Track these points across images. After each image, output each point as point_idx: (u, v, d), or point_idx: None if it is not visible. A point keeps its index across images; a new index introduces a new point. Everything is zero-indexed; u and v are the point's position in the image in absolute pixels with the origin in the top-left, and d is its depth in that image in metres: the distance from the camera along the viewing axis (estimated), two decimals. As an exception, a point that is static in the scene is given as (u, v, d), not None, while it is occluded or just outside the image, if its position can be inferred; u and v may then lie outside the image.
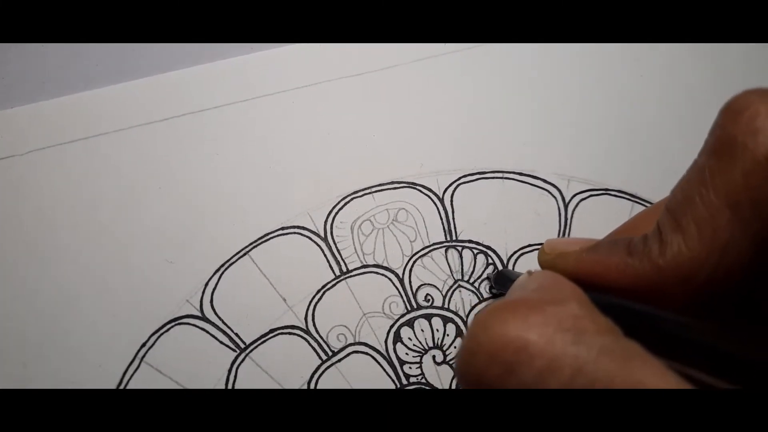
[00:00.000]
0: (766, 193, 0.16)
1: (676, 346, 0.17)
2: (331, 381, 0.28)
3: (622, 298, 0.19)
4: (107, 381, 0.28)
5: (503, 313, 0.16)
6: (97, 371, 0.28)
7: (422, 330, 0.29)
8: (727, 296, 0.18)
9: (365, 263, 0.30)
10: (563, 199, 0.32)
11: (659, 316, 0.18)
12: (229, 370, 0.28)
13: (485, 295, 0.30)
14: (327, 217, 0.31)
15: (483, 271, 0.30)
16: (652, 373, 0.14)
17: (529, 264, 0.30)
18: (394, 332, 0.29)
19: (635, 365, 0.14)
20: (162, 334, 0.28)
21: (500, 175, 0.32)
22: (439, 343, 0.29)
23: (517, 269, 0.30)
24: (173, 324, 0.29)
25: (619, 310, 0.18)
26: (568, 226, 0.31)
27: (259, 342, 0.28)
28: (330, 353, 0.28)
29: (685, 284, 0.18)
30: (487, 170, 0.32)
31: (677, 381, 0.14)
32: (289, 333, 0.29)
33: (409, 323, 0.29)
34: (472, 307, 0.29)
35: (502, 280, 0.28)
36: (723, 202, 0.17)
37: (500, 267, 0.30)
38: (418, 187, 0.32)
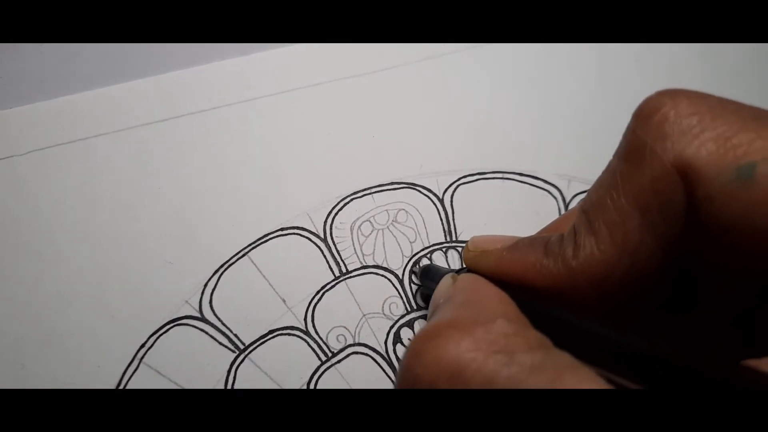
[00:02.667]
0: (674, 198, 0.16)
1: (600, 350, 0.17)
2: (330, 382, 0.28)
3: (541, 298, 0.19)
4: (106, 382, 0.27)
5: (435, 339, 0.16)
6: (95, 372, 0.28)
7: (422, 331, 0.29)
8: (638, 297, 0.18)
9: (365, 264, 0.30)
10: (564, 199, 0.32)
11: (578, 321, 0.18)
12: (228, 371, 0.28)
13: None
14: (326, 218, 0.31)
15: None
16: (583, 385, 0.14)
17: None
18: (394, 333, 0.29)
19: (567, 378, 0.14)
20: (161, 335, 0.28)
21: (500, 175, 0.32)
22: (439, 344, 0.29)
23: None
24: (172, 325, 0.29)
25: (547, 315, 0.18)
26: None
27: (258, 343, 0.28)
28: (329, 354, 0.28)
29: (598, 286, 0.18)
30: (487, 171, 0.32)
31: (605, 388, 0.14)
32: (289, 334, 0.29)
33: (409, 324, 0.29)
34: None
35: (427, 276, 0.28)
36: (633, 206, 0.17)
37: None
38: (417, 187, 0.32)
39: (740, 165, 0.15)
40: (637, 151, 0.17)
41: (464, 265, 0.24)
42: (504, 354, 0.15)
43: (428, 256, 0.30)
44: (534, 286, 0.19)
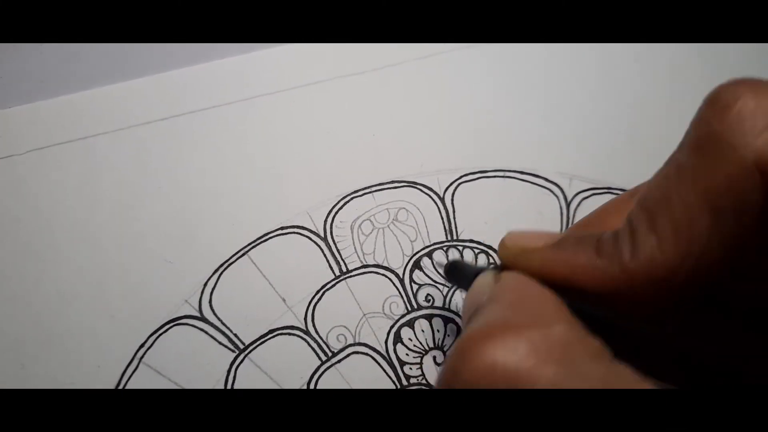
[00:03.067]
0: (751, 198, 0.15)
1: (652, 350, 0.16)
2: (330, 382, 0.28)
3: (591, 302, 0.18)
4: (106, 381, 0.27)
5: (488, 341, 0.15)
6: (95, 372, 0.28)
7: (423, 330, 0.29)
8: (696, 300, 0.17)
9: (365, 263, 0.30)
10: (565, 198, 0.32)
11: (633, 328, 0.17)
12: (228, 371, 0.28)
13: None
14: (327, 217, 0.31)
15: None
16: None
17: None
18: (395, 333, 0.29)
19: None
20: (161, 334, 0.28)
21: (501, 174, 0.32)
22: (440, 344, 0.29)
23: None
24: (172, 324, 0.28)
25: (597, 319, 0.17)
26: (570, 225, 0.31)
27: (258, 343, 0.28)
28: (330, 354, 0.28)
29: (656, 291, 0.16)
30: (488, 169, 0.32)
31: None
32: (289, 333, 0.29)
33: (410, 324, 0.29)
34: (473, 308, 0.29)
35: (456, 274, 0.26)
36: (704, 205, 0.15)
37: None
38: (418, 186, 0.32)
39: None
40: (711, 145, 0.15)
41: (498, 263, 0.22)
42: (564, 364, 0.14)
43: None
44: (586, 288, 0.17)
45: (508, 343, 0.15)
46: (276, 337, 0.29)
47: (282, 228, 0.30)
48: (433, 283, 0.30)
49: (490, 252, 0.30)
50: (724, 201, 0.15)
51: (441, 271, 0.28)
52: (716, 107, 0.16)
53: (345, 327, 0.29)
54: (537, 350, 0.14)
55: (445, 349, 0.29)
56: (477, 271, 0.22)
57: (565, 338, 0.15)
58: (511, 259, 0.20)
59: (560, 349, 0.15)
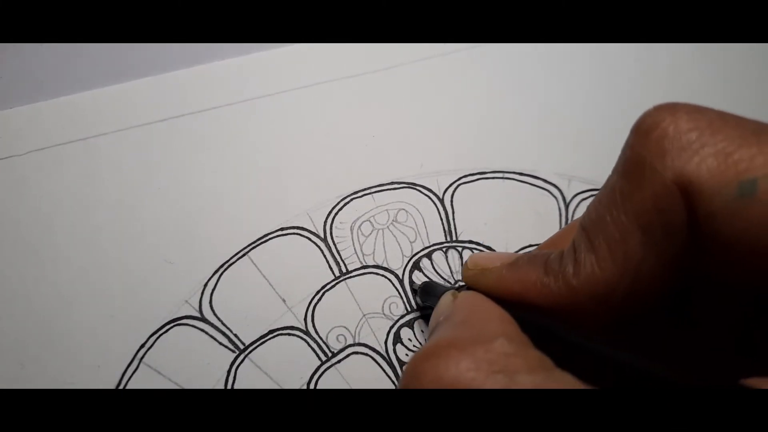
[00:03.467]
0: (675, 215, 0.16)
1: (602, 367, 0.17)
2: (330, 382, 0.28)
3: (542, 316, 0.19)
4: (106, 382, 0.27)
5: (434, 359, 0.16)
6: (95, 372, 0.28)
7: (422, 331, 0.29)
8: (642, 315, 0.18)
9: (365, 264, 0.30)
10: (564, 199, 0.32)
11: (582, 340, 0.18)
12: (228, 371, 0.28)
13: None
14: (326, 218, 0.31)
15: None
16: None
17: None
18: (394, 333, 0.29)
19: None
20: (161, 335, 0.28)
21: (501, 175, 0.32)
22: (440, 344, 0.29)
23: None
24: (172, 325, 0.28)
25: (547, 332, 0.18)
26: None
27: (258, 343, 0.28)
28: (330, 354, 0.28)
29: (599, 305, 0.18)
30: (487, 170, 0.32)
31: None
32: (289, 334, 0.29)
33: (410, 324, 0.29)
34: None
35: (427, 293, 0.28)
36: (633, 223, 0.17)
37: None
38: (418, 187, 0.32)
39: (742, 181, 0.15)
40: (636, 168, 0.17)
41: (463, 283, 0.24)
42: (504, 374, 0.15)
43: (431, 255, 0.30)
44: (535, 304, 0.19)
45: (451, 359, 0.16)
46: (276, 338, 0.29)
47: (282, 229, 0.30)
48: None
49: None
50: (652, 218, 0.16)
51: (418, 295, 0.29)
52: (639, 132, 0.17)
53: (345, 327, 0.29)
54: (478, 364, 0.16)
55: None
56: (443, 291, 0.24)
57: (506, 351, 0.16)
58: (472, 278, 0.22)
59: (501, 362, 0.16)
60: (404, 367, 0.17)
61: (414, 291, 0.29)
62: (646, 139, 0.17)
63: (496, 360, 0.16)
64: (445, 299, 0.22)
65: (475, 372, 0.15)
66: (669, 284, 0.17)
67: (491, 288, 0.21)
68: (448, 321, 0.19)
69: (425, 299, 0.28)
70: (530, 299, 0.19)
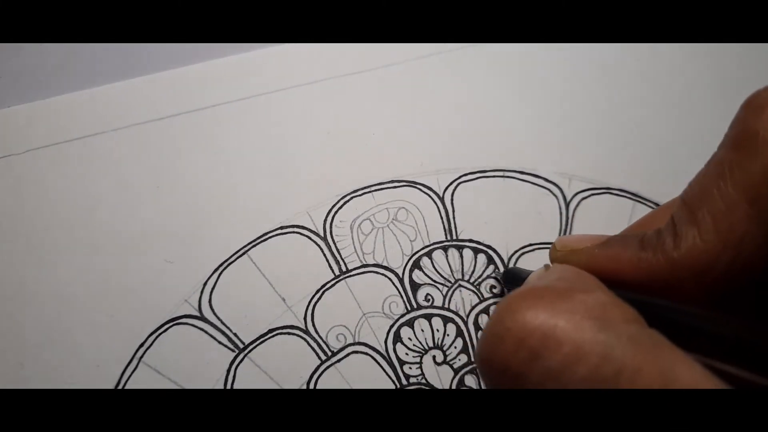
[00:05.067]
0: None
1: (694, 338, 0.16)
2: (330, 381, 0.28)
3: (636, 292, 0.19)
4: (105, 381, 0.27)
5: (530, 299, 0.16)
6: (95, 371, 0.28)
7: (422, 330, 0.29)
8: (742, 291, 0.18)
9: (365, 263, 0.30)
10: (564, 198, 0.32)
11: (677, 308, 0.18)
12: (228, 371, 0.28)
13: (485, 295, 0.29)
14: (326, 217, 0.31)
15: (483, 271, 0.30)
16: (679, 362, 0.14)
17: (530, 264, 0.30)
18: (394, 332, 0.29)
19: (662, 354, 0.14)
20: (160, 334, 0.28)
21: (501, 173, 0.32)
22: (440, 343, 0.29)
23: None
24: (171, 324, 0.28)
25: (637, 304, 0.18)
26: (569, 225, 0.31)
27: (258, 342, 0.28)
28: (329, 353, 0.28)
29: (700, 278, 0.17)
30: (487, 169, 0.32)
31: (703, 371, 0.14)
32: (288, 333, 0.29)
33: (409, 323, 0.29)
34: (473, 307, 0.29)
35: (512, 278, 0.28)
36: (741, 195, 0.17)
37: (500, 267, 0.30)
38: (418, 185, 0.32)
39: None
40: (748, 141, 0.17)
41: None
42: (601, 321, 0.15)
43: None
44: (630, 280, 0.19)
45: (546, 300, 0.16)
46: (276, 337, 0.28)
47: (282, 227, 0.30)
48: (433, 283, 0.30)
49: (490, 251, 0.30)
50: (761, 190, 0.16)
51: (501, 281, 0.29)
52: (752, 107, 0.17)
53: (345, 326, 0.29)
54: (575, 307, 0.16)
55: (444, 348, 0.29)
56: (528, 273, 0.23)
57: (603, 301, 0.16)
58: (561, 259, 0.22)
59: (599, 310, 0.16)
60: (497, 306, 0.17)
61: (496, 279, 0.29)
62: (759, 114, 0.17)
63: (593, 307, 0.16)
64: (537, 271, 0.22)
65: (571, 314, 0.15)
66: None
67: (582, 267, 0.20)
68: (543, 279, 0.19)
69: (509, 286, 0.28)
70: (625, 275, 0.19)
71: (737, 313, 0.18)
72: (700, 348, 0.16)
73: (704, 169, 0.18)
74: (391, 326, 0.29)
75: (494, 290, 0.29)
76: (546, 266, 0.22)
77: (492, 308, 0.29)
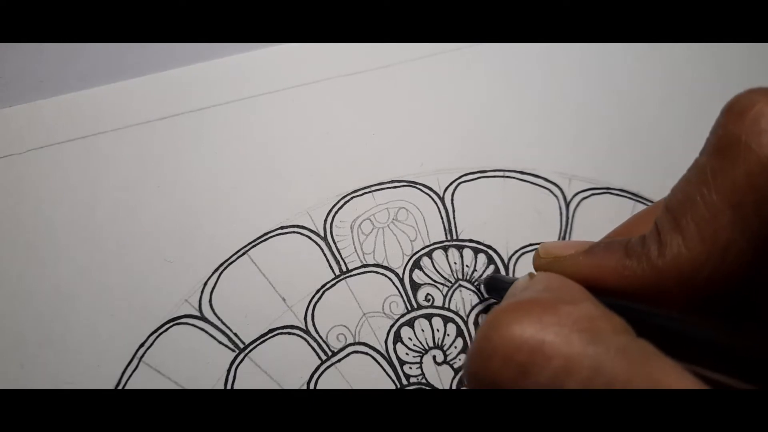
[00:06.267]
0: None
1: (682, 345, 0.16)
2: (330, 381, 0.28)
3: (621, 300, 0.18)
4: (105, 381, 0.27)
5: (516, 312, 0.16)
6: (95, 371, 0.28)
7: (422, 330, 0.29)
8: (726, 297, 0.18)
9: (365, 263, 0.30)
10: (565, 197, 0.32)
11: (663, 315, 0.18)
12: (228, 371, 0.28)
13: (486, 295, 0.29)
14: (327, 217, 0.31)
15: (483, 271, 0.30)
16: (669, 373, 0.14)
17: (530, 265, 0.30)
18: (395, 332, 0.29)
19: (652, 364, 0.14)
20: (160, 334, 0.28)
21: (501, 173, 0.32)
22: (440, 343, 0.29)
23: (518, 269, 0.30)
24: (172, 324, 0.28)
25: (623, 311, 0.18)
26: (569, 225, 0.31)
27: (258, 342, 0.28)
28: (330, 353, 0.28)
29: (685, 285, 0.17)
30: (488, 169, 0.32)
31: (693, 380, 0.14)
32: (289, 333, 0.29)
33: (410, 323, 0.29)
34: (473, 307, 0.29)
35: (495, 286, 0.27)
36: (725, 202, 0.17)
37: (501, 267, 0.30)
38: (418, 186, 0.32)
39: None
40: (730, 147, 0.17)
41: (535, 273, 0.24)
42: (589, 333, 0.15)
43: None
44: (615, 288, 0.19)
45: (534, 313, 0.16)
46: (276, 337, 0.28)
47: (282, 227, 0.30)
48: (433, 283, 0.30)
49: (490, 251, 0.30)
50: (745, 197, 0.16)
51: (482, 288, 0.29)
52: (733, 113, 0.17)
53: (345, 326, 0.29)
54: (562, 320, 0.15)
55: (445, 348, 0.29)
56: (511, 282, 0.23)
57: (591, 313, 0.16)
58: (545, 267, 0.22)
59: (587, 322, 0.15)
60: (484, 319, 0.17)
61: (478, 286, 0.29)
62: (740, 119, 0.17)
63: (581, 320, 0.15)
64: (521, 280, 0.22)
65: (559, 328, 0.15)
66: (754, 268, 0.17)
67: (567, 275, 0.20)
68: (528, 290, 0.19)
69: (491, 294, 0.28)
70: (610, 283, 0.19)
71: (722, 319, 0.18)
72: (688, 355, 0.16)
73: (687, 174, 0.18)
74: (392, 326, 0.29)
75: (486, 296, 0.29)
76: (530, 274, 0.21)
77: (492, 308, 0.29)
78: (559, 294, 0.18)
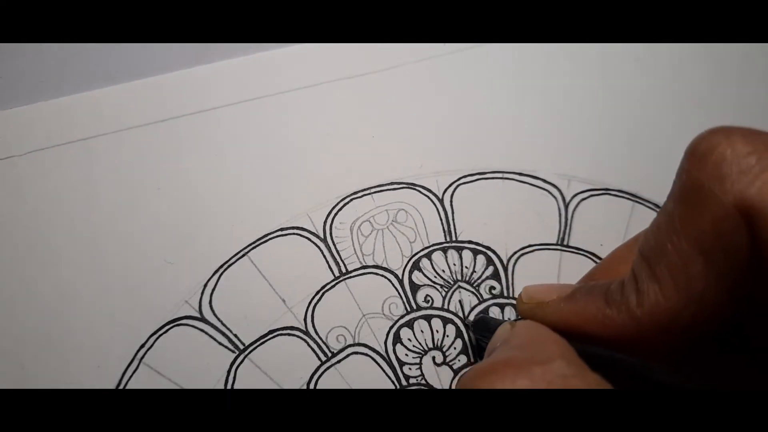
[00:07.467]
0: (736, 239, 0.16)
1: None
2: (330, 382, 0.28)
3: (603, 348, 0.19)
4: (106, 382, 0.27)
5: (489, 376, 0.16)
6: (95, 372, 0.28)
7: (422, 331, 0.29)
8: (706, 343, 0.18)
9: (365, 264, 0.30)
10: (563, 199, 0.32)
11: (645, 365, 0.18)
12: (228, 372, 0.28)
13: (485, 296, 0.29)
14: (326, 218, 0.31)
15: (483, 272, 0.30)
16: None
17: (528, 266, 0.30)
18: (394, 333, 0.29)
19: None
20: (161, 335, 0.28)
21: (500, 175, 0.32)
22: (439, 344, 0.29)
23: (517, 270, 0.30)
24: (172, 325, 0.28)
25: (603, 360, 0.18)
26: (568, 227, 0.31)
27: (258, 343, 0.28)
28: (329, 354, 0.28)
29: (664, 334, 0.17)
30: (487, 170, 0.32)
31: None
32: (289, 334, 0.29)
33: (409, 324, 0.29)
34: (472, 308, 0.29)
35: (481, 327, 0.28)
36: (695, 249, 0.16)
37: (500, 268, 0.30)
38: (417, 187, 0.32)
39: None
40: (694, 193, 0.17)
41: (519, 316, 0.24)
42: None
43: (431, 256, 0.30)
44: (596, 336, 0.19)
45: (507, 377, 0.16)
46: (276, 338, 0.29)
47: (282, 229, 0.30)
48: (432, 284, 0.30)
49: (489, 253, 0.30)
50: (713, 244, 0.16)
51: (471, 329, 0.29)
52: (695, 157, 0.17)
53: (344, 327, 0.29)
54: (535, 383, 0.15)
55: (444, 349, 0.29)
56: (498, 324, 0.23)
57: (564, 372, 0.16)
58: (528, 312, 0.22)
59: (558, 382, 0.15)
60: (457, 383, 0.17)
61: (467, 326, 0.29)
62: (702, 164, 0.16)
63: (554, 380, 0.15)
64: (503, 328, 0.22)
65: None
66: (731, 311, 0.17)
67: (549, 322, 0.20)
68: (505, 345, 0.19)
69: (479, 334, 0.28)
70: (591, 331, 0.19)
71: (694, 360, 0.18)
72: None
73: (657, 219, 0.18)
74: (391, 327, 0.29)
75: (493, 291, 0.30)
76: (511, 324, 0.22)
77: (492, 309, 0.29)
78: (533, 352, 0.18)
